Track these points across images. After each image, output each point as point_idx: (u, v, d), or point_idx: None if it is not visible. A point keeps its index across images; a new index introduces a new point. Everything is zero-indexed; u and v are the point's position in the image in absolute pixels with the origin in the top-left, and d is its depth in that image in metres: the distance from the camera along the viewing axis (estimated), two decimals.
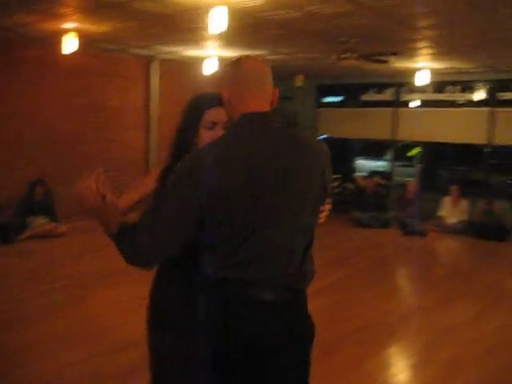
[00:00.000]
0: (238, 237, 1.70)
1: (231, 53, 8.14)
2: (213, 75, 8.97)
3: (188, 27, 6.34)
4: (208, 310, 1.77)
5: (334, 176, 9.61)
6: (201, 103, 2.13)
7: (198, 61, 8.91)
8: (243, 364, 1.72)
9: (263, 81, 1.83)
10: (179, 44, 7.74)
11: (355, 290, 5.76)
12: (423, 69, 8.79)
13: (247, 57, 1.90)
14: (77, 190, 1.83)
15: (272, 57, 8.32)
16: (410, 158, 11.04)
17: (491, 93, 9.64)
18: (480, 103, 9.80)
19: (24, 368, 3.64)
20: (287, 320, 1.75)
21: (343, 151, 11.98)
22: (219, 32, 5.51)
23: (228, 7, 5.05)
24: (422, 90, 10.17)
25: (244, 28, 6.19)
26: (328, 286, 5.64)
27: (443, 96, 10.17)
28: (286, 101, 10.81)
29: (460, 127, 10.04)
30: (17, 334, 4.21)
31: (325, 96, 11.95)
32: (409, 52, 7.52)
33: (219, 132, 2.03)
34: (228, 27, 5.24)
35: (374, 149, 12.26)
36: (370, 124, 11.17)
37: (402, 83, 10.47)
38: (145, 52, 8.54)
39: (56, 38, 6.74)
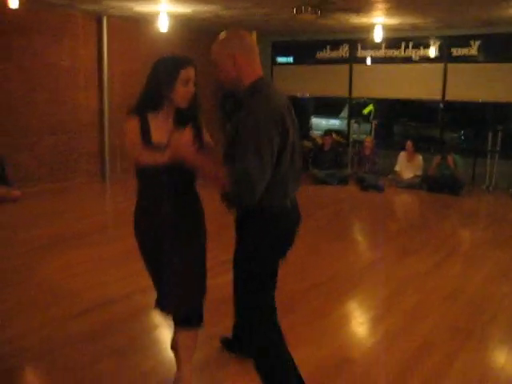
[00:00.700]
0: (285, 169, 2.45)
1: (183, 8, 7.90)
2: (169, 32, 8.73)
3: None
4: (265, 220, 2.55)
5: None
6: (176, 63, 2.50)
7: (151, 17, 8.63)
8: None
9: (258, 51, 2.54)
10: None
11: (317, 245, 5.85)
12: (377, 24, 8.78)
13: (244, 31, 2.54)
14: (176, 147, 2.36)
15: (225, 12, 8.12)
16: (366, 116, 11.12)
17: (445, 49, 9.74)
18: (434, 59, 9.89)
19: None
20: (298, 214, 2.73)
21: (299, 109, 11.89)
22: None
23: None
24: (376, 46, 10.19)
25: None
26: None
27: (398, 52, 10.22)
28: None
29: (414, 83, 10.17)
30: None
31: (279, 54, 11.83)
32: (364, 7, 7.48)
33: (191, 88, 2.54)
34: None
35: (329, 107, 12.30)
36: (326, 81, 11.19)
37: (357, 40, 10.48)
38: (94, 7, 8.17)
39: None
